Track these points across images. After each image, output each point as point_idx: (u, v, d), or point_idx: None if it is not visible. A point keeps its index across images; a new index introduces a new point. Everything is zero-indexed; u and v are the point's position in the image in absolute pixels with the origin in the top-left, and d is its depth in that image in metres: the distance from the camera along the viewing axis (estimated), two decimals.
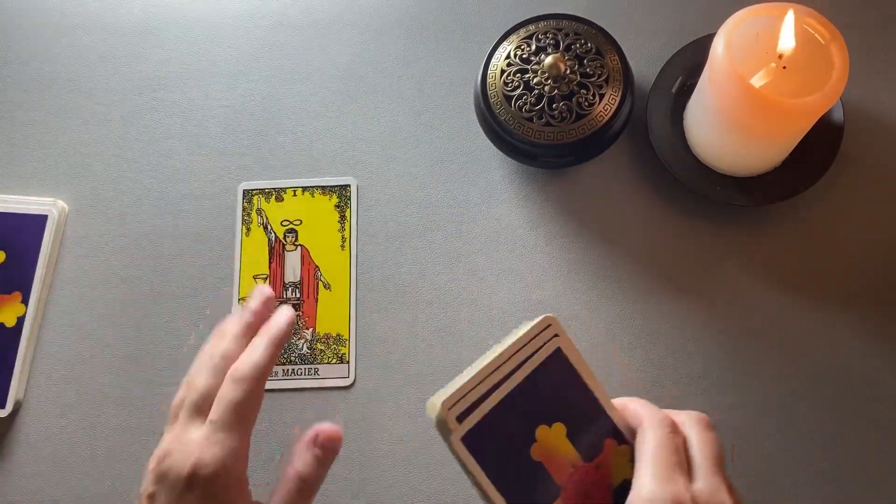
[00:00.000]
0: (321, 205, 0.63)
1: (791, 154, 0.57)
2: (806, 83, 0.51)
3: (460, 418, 0.38)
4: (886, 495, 0.53)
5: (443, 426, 0.37)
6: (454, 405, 0.38)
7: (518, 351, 0.41)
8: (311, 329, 0.60)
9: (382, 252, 0.61)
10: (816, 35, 0.51)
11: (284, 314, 0.48)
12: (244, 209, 0.63)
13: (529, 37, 0.59)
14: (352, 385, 0.58)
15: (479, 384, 0.39)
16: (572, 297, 0.59)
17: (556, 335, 0.41)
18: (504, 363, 0.40)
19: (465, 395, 0.38)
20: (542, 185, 0.62)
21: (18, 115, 0.67)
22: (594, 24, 0.60)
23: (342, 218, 0.62)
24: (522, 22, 0.60)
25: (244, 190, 0.63)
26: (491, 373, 0.39)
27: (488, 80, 0.59)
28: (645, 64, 0.64)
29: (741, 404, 0.56)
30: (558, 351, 0.41)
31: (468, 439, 0.37)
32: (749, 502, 0.54)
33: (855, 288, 0.58)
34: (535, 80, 0.57)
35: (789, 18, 0.51)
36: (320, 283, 0.61)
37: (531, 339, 0.41)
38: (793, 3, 0.52)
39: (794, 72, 0.52)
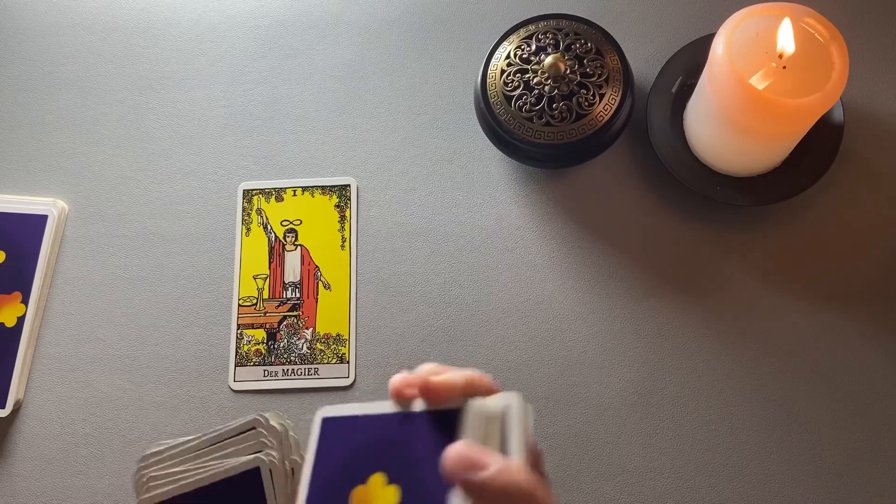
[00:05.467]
0: (321, 205, 0.63)
1: (791, 154, 0.57)
2: (806, 83, 0.51)
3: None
4: (887, 493, 0.53)
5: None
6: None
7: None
8: (311, 329, 0.60)
9: (382, 252, 0.61)
10: (816, 35, 0.51)
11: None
12: (244, 209, 0.63)
13: (529, 37, 0.59)
14: (352, 385, 0.58)
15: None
16: (572, 296, 0.59)
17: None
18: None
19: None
20: (542, 185, 0.62)
21: (19, 115, 0.67)
22: (594, 24, 0.60)
23: (342, 218, 0.62)
24: (522, 22, 0.60)
25: (244, 190, 0.63)
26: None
27: (488, 80, 0.59)
28: (645, 64, 0.64)
29: (740, 403, 0.56)
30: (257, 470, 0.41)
31: None
32: (748, 500, 0.54)
33: (854, 287, 0.58)
34: (535, 80, 0.57)
35: (786, 25, 0.51)
36: (320, 283, 0.61)
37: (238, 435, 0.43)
38: (793, 2, 0.52)
39: (794, 72, 0.52)
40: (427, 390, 0.34)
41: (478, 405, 0.33)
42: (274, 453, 0.50)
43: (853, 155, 0.60)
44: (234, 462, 0.50)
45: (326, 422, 0.35)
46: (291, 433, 0.53)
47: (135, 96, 0.67)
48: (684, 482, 0.55)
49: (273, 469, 0.50)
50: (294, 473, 0.51)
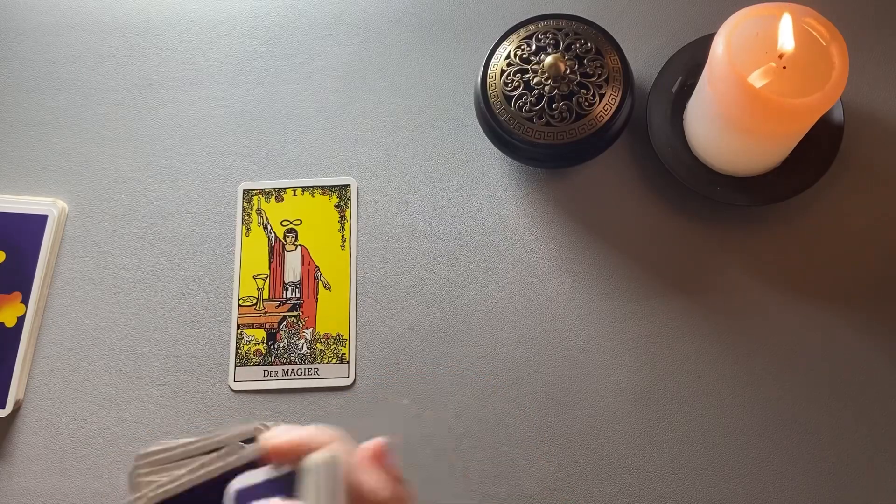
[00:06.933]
0: (321, 205, 0.63)
1: (791, 154, 0.57)
2: (806, 83, 0.51)
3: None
4: (887, 494, 0.53)
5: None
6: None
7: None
8: (311, 329, 0.60)
9: (382, 252, 0.61)
10: (816, 35, 0.51)
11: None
12: (244, 209, 0.63)
13: (529, 37, 0.59)
14: (352, 385, 0.58)
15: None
16: (572, 297, 0.59)
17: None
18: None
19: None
20: (542, 185, 0.62)
21: (18, 115, 0.67)
22: (594, 24, 0.60)
23: (342, 218, 0.62)
24: (522, 22, 0.60)
25: (244, 190, 0.63)
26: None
27: (488, 80, 0.59)
28: (645, 64, 0.64)
29: (741, 404, 0.56)
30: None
31: None
32: (748, 500, 0.54)
33: (854, 287, 0.58)
34: (535, 80, 0.57)
35: (786, 21, 0.51)
36: (320, 283, 0.61)
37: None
38: (793, 2, 0.52)
39: (794, 72, 0.52)
40: (270, 454, 0.38)
41: (306, 462, 0.36)
42: None
43: (853, 155, 0.60)
44: (236, 456, 0.49)
45: (239, 494, 0.38)
46: None
47: (135, 96, 0.67)
48: (684, 482, 0.55)
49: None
50: None
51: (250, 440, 0.50)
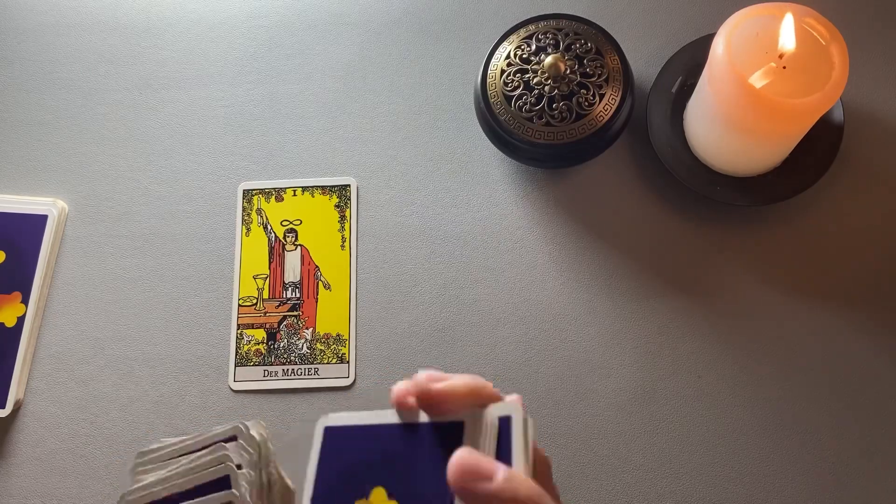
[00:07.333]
0: (321, 205, 0.63)
1: (791, 154, 0.57)
2: (806, 83, 0.51)
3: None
4: (887, 494, 0.53)
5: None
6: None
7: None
8: (311, 329, 0.60)
9: (382, 252, 0.61)
10: (816, 35, 0.51)
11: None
12: (244, 209, 0.63)
13: (529, 37, 0.59)
14: (352, 385, 0.58)
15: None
16: (572, 296, 0.59)
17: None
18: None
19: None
20: (542, 185, 0.62)
21: (18, 115, 0.67)
22: (594, 24, 0.60)
23: (342, 218, 0.62)
24: (522, 22, 0.60)
25: (244, 190, 0.63)
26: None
27: (488, 80, 0.59)
28: (645, 64, 0.64)
29: (741, 404, 0.56)
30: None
31: None
32: (748, 500, 0.54)
33: (854, 287, 0.58)
34: (535, 80, 0.57)
35: (788, 20, 0.51)
36: (320, 283, 0.61)
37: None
38: (793, 2, 0.52)
39: (794, 72, 0.52)
40: (427, 400, 0.32)
41: (480, 415, 0.32)
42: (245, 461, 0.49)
43: (853, 155, 0.60)
44: (204, 472, 0.49)
45: (328, 431, 0.34)
46: (269, 444, 0.52)
47: (135, 96, 0.67)
48: (684, 482, 0.55)
49: (241, 477, 0.49)
50: (271, 486, 0.50)
51: (232, 438, 0.50)
